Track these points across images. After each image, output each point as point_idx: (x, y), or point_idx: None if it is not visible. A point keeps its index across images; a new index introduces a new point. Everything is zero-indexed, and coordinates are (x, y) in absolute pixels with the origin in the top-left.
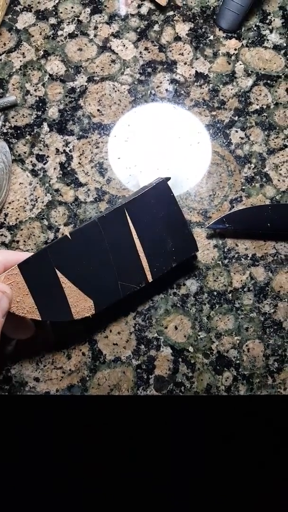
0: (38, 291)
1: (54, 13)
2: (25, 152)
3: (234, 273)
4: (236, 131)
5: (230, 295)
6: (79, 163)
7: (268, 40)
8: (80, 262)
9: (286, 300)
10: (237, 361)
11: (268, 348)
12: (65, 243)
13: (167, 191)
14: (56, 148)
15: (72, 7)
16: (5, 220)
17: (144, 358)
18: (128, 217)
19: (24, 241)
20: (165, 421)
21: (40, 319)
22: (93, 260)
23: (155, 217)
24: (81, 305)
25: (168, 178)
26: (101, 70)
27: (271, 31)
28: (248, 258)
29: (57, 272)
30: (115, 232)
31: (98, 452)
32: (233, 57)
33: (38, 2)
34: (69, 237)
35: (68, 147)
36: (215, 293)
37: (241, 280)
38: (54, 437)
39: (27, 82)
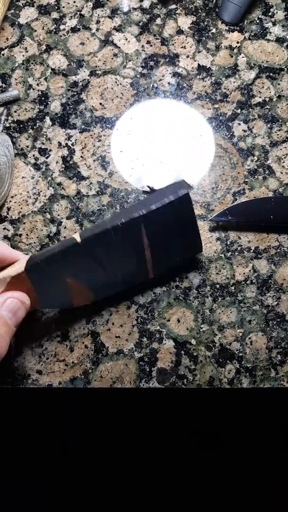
0: (41, 284)
1: (56, 7)
2: (27, 146)
3: (237, 266)
4: (239, 124)
5: (233, 287)
6: (81, 156)
7: (270, 32)
8: (87, 265)
9: None
10: (240, 354)
11: (271, 341)
12: (74, 247)
13: (188, 205)
14: (59, 142)
15: (74, 1)
16: (7, 213)
17: (146, 351)
18: (143, 229)
19: (27, 235)
20: (167, 414)
21: (40, 307)
22: (100, 263)
23: (170, 230)
24: (81, 296)
25: (191, 188)
26: (103, 64)
27: (273, 24)
28: (251, 250)
29: (63, 272)
30: (126, 239)
31: (100, 445)
32: (235, 50)
33: None
34: (79, 241)
35: (71, 140)
36: (217, 285)
37: (244, 273)
38: (57, 430)
39: (29, 77)
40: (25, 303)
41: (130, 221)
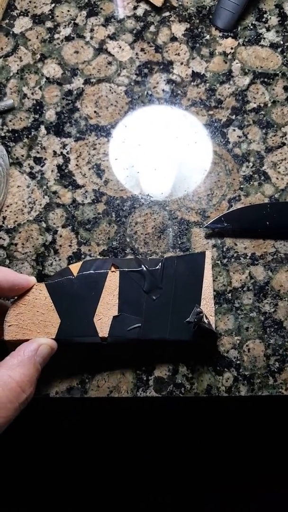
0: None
1: (50, 16)
2: (22, 155)
3: (234, 273)
4: (234, 130)
5: (229, 294)
6: (76, 165)
7: (264, 38)
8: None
9: (286, 299)
10: (238, 362)
11: (268, 348)
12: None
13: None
14: (54, 151)
15: (68, 11)
16: (3, 223)
17: (143, 360)
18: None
19: (23, 244)
20: (165, 422)
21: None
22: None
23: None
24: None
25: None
26: (98, 72)
27: (267, 30)
28: (247, 257)
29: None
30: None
31: (98, 454)
32: (229, 56)
33: (35, 7)
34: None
35: (66, 149)
36: (214, 292)
37: (241, 280)
38: (53, 440)
39: (24, 86)
40: (54, 349)
41: (146, 272)
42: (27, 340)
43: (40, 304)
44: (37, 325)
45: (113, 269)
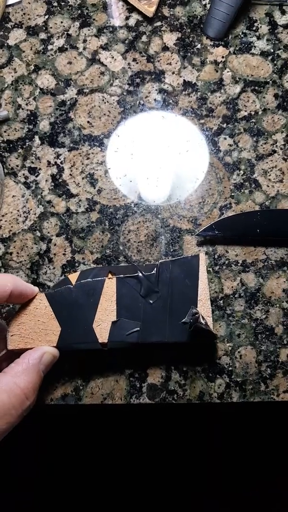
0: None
1: (44, 28)
2: (17, 165)
3: (225, 280)
4: (225, 138)
5: (221, 301)
6: (70, 174)
7: (255, 46)
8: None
9: (277, 305)
10: (230, 368)
11: (260, 354)
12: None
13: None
14: (48, 161)
15: (61, 22)
16: None
17: (136, 366)
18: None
19: (17, 253)
20: (159, 429)
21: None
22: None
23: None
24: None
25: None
26: (91, 82)
27: (258, 38)
28: (239, 264)
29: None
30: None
31: (96, 455)
32: (220, 65)
33: (29, 18)
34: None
35: (59, 159)
36: None
37: (232, 287)
38: (49, 447)
39: (18, 97)
40: (56, 357)
41: (142, 277)
42: (30, 349)
43: (41, 314)
44: (39, 333)
45: (110, 276)
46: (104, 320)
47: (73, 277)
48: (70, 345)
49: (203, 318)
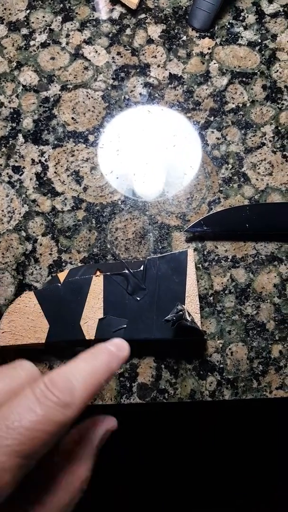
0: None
1: (25, 23)
2: (1, 164)
3: (215, 276)
4: (212, 132)
5: (211, 298)
6: (55, 172)
7: (242, 37)
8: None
9: (268, 301)
10: (221, 365)
11: (252, 351)
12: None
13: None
14: (32, 159)
15: (43, 16)
16: None
17: (126, 366)
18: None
19: (3, 254)
20: (157, 429)
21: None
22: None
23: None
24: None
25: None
26: (74, 77)
27: (245, 28)
28: (228, 260)
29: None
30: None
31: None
32: (207, 57)
33: (10, 14)
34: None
35: (44, 157)
36: None
37: (222, 283)
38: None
39: (1, 95)
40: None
41: (130, 275)
42: (19, 346)
43: (30, 311)
44: (28, 330)
45: (97, 273)
46: (91, 318)
47: (61, 276)
48: (58, 341)
49: (189, 315)
